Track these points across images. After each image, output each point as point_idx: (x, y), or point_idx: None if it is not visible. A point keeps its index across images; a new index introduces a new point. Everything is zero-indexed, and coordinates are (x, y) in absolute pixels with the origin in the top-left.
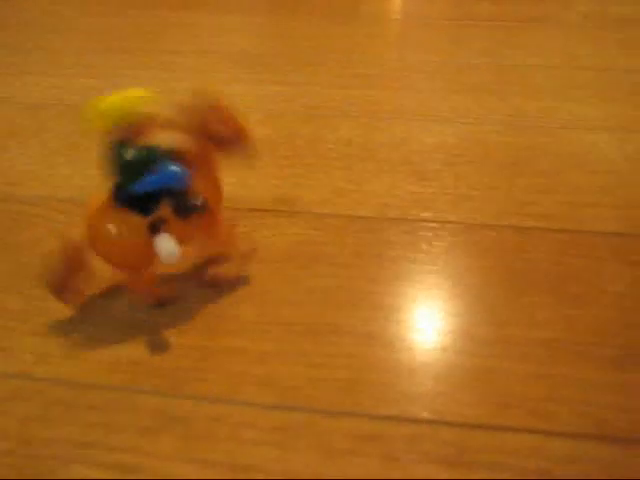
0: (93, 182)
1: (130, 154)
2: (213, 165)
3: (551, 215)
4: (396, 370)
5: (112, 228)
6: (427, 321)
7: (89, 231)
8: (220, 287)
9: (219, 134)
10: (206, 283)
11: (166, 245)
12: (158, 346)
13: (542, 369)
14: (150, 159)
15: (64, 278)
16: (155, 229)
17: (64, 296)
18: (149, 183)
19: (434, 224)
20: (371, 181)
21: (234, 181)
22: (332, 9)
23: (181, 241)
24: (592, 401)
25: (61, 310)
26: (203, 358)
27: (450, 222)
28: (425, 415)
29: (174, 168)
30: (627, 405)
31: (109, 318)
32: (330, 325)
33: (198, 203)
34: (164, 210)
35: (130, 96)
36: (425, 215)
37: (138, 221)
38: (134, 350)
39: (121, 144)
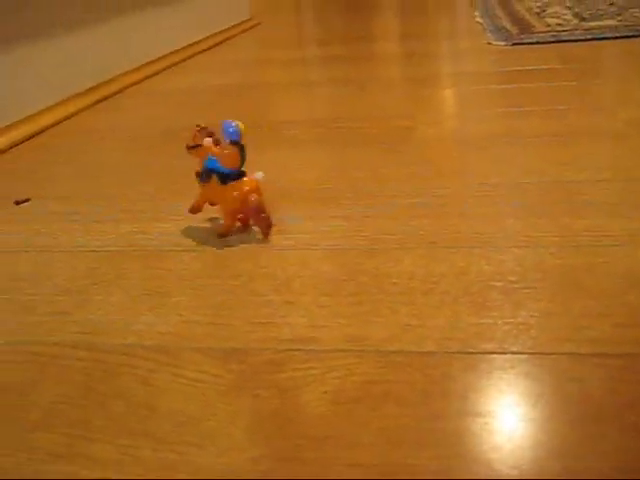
0: (176, 329)
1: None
2: None
3: (606, 339)
4: None
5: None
6: (495, 455)
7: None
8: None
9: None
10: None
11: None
12: None
13: None
14: None
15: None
16: None
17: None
18: None
19: (495, 355)
20: (434, 315)
21: (304, 322)
22: (387, 137)
23: None
24: None
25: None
26: None
27: (510, 352)
28: None
29: None
30: None
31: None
32: (402, 466)
33: None
34: None
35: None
36: (486, 347)
37: None
38: None
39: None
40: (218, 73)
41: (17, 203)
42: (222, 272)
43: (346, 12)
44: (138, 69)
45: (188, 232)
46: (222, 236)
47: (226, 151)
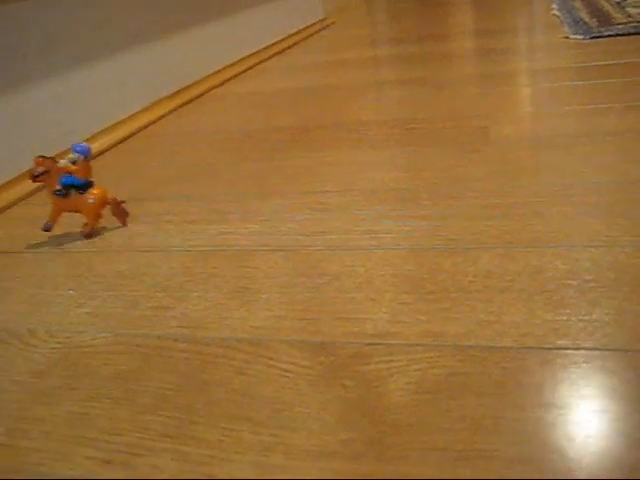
0: (267, 323)
1: None
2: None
3: None
4: None
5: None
6: (569, 443)
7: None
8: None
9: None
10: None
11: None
12: None
13: None
14: None
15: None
16: None
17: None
18: None
19: (570, 351)
20: (510, 312)
21: (387, 317)
22: (463, 137)
23: None
24: None
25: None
26: None
27: (585, 348)
28: None
29: None
30: None
31: None
32: (479, 450)
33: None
34: None
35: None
36: (561, 343)
37: None
38: None
39: None
40: (294, 75)
41: (87, 237)
42: (308, 271)
43: (419, 8)
44: (218, 73)
45: (275, 232)
46: (90, 236)
47: (80, 167)
